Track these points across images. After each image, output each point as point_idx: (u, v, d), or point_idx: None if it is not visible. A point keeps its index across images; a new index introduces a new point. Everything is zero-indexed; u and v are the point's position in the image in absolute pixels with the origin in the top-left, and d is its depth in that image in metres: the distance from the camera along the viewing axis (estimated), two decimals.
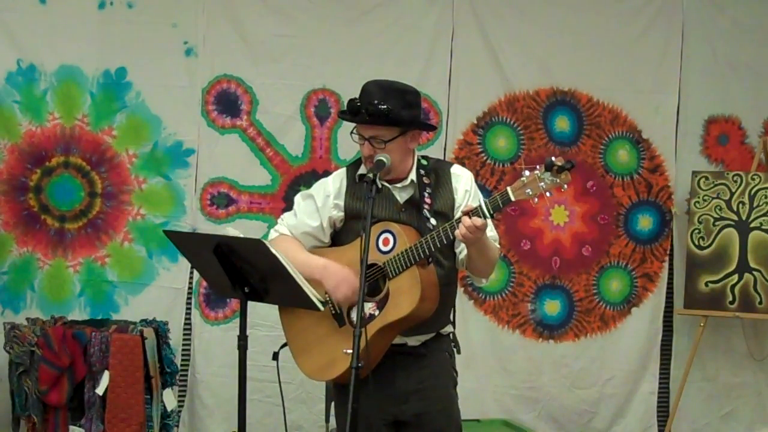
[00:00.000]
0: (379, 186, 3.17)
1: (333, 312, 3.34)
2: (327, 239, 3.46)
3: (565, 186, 3.05)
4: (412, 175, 3.37)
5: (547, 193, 3.05)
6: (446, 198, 3.36)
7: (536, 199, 3.07)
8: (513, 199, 3.08)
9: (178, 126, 5.23)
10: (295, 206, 3.50)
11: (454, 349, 3.48)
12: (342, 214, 3.41)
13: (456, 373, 3.49)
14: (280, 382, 3.48)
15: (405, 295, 3.21)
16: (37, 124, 5.08)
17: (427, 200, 3.33)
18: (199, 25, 5.24)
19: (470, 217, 3.09)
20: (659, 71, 5.81)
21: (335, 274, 3.29)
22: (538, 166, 3.05)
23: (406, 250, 3.21)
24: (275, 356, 3.41)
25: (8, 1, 5.04)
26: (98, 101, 5.13)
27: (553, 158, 3.03)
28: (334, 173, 3.52)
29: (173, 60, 5.22)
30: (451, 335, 3.48)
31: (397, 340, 3.33)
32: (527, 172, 3.07)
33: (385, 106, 3.23)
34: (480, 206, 3.11)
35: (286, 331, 3.46)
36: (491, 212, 3.11)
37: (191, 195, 5.25)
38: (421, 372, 3.37)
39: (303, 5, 5.38)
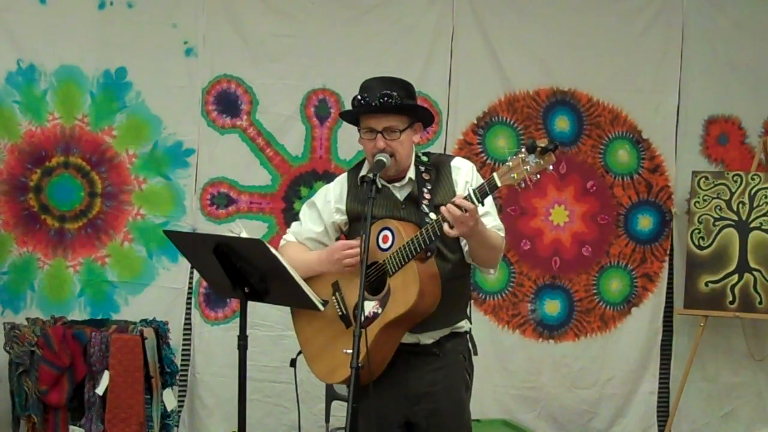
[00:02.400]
0: (379, 186, 3.17)
1: (340, 314, 3.35)
2: (332, 243, 3.48)
3: (550, 167, 3.02)
4: (410, 174, 3.37)
5: (534, 176, 3.03)
6: (446, 191, 3.34)
7: (523, 184, 3.04)
8: (499, 184, 3.07)
9: (178, 126, 5.23)
10: (301, 215, 3.56)
11: (471, 350, 3.46)
12: (345, 217, 3.44)
13: (470, 375, 3.46)
14: (297, 387, 3.52)
15: (404, 291, 3.21)
16: (37, 124, 5.07)
17: (426, 195, 3.32)
18: (199, 25, 5.24)
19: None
20: (659, 71, 5.80)
21: (330, 256, 3.33)
22: (522, 149, 3.04)
23: (402, 246, 3.21)
24: (293, 363, 3.42)
25: (8, 1, 5.04)
26: (98, 101, 5.13)
27: (536, 140, 3.02)
28: (336, 179, 3.54)
29: (173, 60, 5.22)
30: (468, 334, 3.46)
31: (410, 339, 3.32)
32: (513, 157, 3.06)
33: (395, 94, 3.24)
34: (469, 194, 3.10)
35: (298, 336, 3.48)
36: (480, 199, 3.10)
37: (191, 195, 5.25)
38: (434, 374, 3.35)
39: (303, 5, 5.38)
